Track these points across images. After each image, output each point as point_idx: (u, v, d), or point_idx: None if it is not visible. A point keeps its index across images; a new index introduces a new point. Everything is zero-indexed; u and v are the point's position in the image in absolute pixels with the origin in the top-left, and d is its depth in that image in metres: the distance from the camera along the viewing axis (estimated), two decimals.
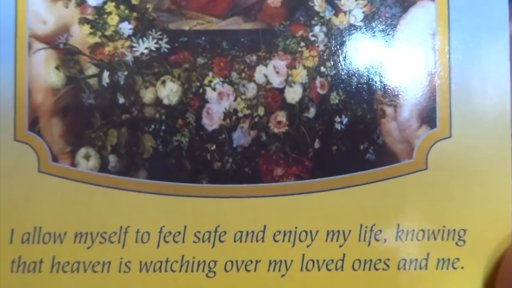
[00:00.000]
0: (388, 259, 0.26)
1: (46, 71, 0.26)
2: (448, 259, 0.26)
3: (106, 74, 0.26)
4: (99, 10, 0.26)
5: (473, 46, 0.26)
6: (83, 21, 0.26)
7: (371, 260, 0.26)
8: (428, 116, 0.26)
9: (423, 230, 0.26)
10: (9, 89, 0.26)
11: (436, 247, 0.26)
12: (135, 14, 0.26)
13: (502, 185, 0.26)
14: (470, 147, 0.26)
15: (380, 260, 0.26)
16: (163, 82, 0.26)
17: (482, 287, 0.26)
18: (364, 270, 0.26)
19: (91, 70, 0.26)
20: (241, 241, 0.26)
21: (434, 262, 0.26)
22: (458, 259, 0.26)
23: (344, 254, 0.26)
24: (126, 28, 0.26)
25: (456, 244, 0.26)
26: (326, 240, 0.26)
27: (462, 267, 0.26)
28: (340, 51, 0.26)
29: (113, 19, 0.26)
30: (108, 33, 0.26)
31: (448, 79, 0.26)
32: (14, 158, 0.26)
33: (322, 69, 0.26)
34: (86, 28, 0.26)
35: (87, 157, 0.26)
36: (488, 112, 0.26)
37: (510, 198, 0.26)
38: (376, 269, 0.26)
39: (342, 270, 0.26)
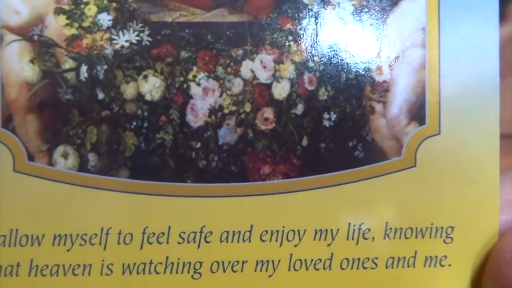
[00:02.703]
0: (376, 258, 0.25)
1: (20, 65, 0.24)
2: (436, 257, 0.26)
3: (84, 68, 0.25)
4: (76, 0, 0.25)
5: (463, 41, 0.25)
6: (58, 11, 0.25)
7: (359, 259, 0.25)
8: (417, 113, 0.26)
9: (411, 228, 0.25)
10: None
11: (424, 245, 0.25)
12: (114, 4, 0.25)
13: (491, 182, 0.25)
14: (459, 144, 0.25)
15: (368, 258, 0.25)
16: (145, 77, 0.25)
17: (470, 284, 0.26)
18: (352, 269, 0.25)
19: (68, 63, 0.25)
20: (227, 242, 0.25)
21: (421, 260, 0.26)
22: (445, 256, 0.26)
23: (332, 253, 0.25)
24: (105, 19, 0.25)
25: (444, 241, 0.26)
26: (314, 239, 0.25)
27: (450, 265, 0.26)
28: (328, 45, 0.25)
29: (91, 10, 0.25)
30: (85, 24, 0.25)
31: (437, 75, 0.25)
32: None
33: (310, 64, 0.25)
34: (62, 19, 0.25)
35: (65, 155, 0.25)
36: (478, 109, 0.25)
37: (498, 195, 0.25)
38: (364, 268, 0.25)
39: (330, 269, 0.25)
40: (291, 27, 0.25)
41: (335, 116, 0.25)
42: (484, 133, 0.25)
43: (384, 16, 0.25)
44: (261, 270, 0.25)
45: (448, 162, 0.25)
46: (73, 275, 0.25)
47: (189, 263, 0.25)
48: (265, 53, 0.25)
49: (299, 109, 0.25)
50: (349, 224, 0.25)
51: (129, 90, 0.25)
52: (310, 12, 0.25)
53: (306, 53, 0.25)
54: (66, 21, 0.25)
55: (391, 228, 0.25)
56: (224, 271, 0.25)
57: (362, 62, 0.25)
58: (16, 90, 0.24)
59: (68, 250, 0.25)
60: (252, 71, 0.25)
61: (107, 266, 0.25)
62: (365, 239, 0.25)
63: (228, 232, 0.25)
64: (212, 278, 0.25)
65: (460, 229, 0.26)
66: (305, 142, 0.25)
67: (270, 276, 0.25)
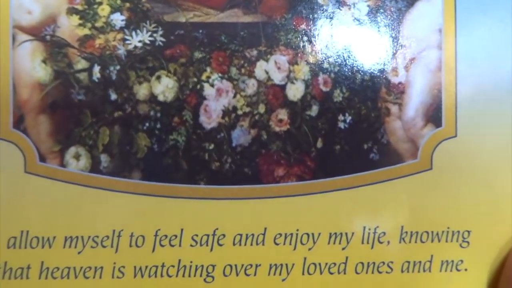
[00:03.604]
0: (392, 262, 0.25)
1: (32, 65, 0.24)
2: (452, 261, 0.25)
3: (97, 68, 0.24)
4: (89, 0, 0.24)
5: (480, 43, 0.25)
6: (71, 11, 0.24)
7: (374, 263, 0.25)
8: (433, 115, 0.25)
9: (427, 232, 0.25)
10: None
11: (440, 249, 0.25)
12: (127, 4, 0.25)
13: (507, 185, 0.25)
14: (475, 146, 0.25)
15: (383, 263, 0.25)
16: (158, 78, 0.24)
17: None
18: (367, 273, 0.25)
19: (81, 64, 0.24)
20: (240, 245, 0.25)
21: (438, 264, 0.25)
22: (462, 261, 0.25)
23: (347, 257, 0.25)
24: (118, 19, 0.24)
25: (460, 245, 0.25)
26: (329, 243, 0.25)
27: (466, 269, 0.25)
28: (343, 46, 0.25)
29: (104, 10, 0.24)
30: (98, 24, 0.24)
31: (454, 77, 0.25)
32: None
33: (325, 65, 0.25)
34: (75, 19, 0.24)
35: (77, 156, 0.24)
36: (494, 111, 0.25)
37: None
38: (380, 272, 0.25)
39: (344, 273, 0.25)
40: (305, 28, 0.25)
41: (350, 118, 0.25)
42: (500, 135, 0.25)
43: (400, 17, 0.25)
44: (274, 274, 0.25)
45: (465, 165, 0.25)
46: (84, 277, 0.24)
47: (202, 266, 0.25)
48: (279, 54, 0.25)
49: (314, 110, 0.25)
50: (364, 227, 0.25)
51: (142, 91, 0.24)
52: (325, 12, 0.25)
53: (321, 54, 0.25)
54: (79, 21, 0.24)
55: (406, 232, 0.25)
56: (237, 274, 0.25)
57: (377, 64, 0.25)
58: (28, 90, 0.24)
59: (79, 253, 0.24)
60: (266, 72, 0.25)
61: (118, 268, 0.24)
62: (380, 243, 0.25)
63: (241, 235, 0.25)
64: (225, 282, 0.25)
65: (476, 233, 0.25)
66: (319, 144, 0.25)
67: (283, 280, 0.25)
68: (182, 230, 0.25)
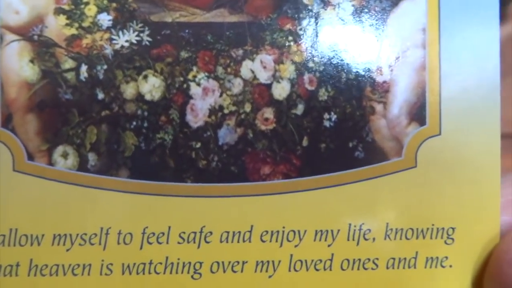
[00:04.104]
0: (377, 258, 0.25)
1: (20, 65, 0.24)
2: (437, 258, 0.25)
3: (84, 68, 0.25)
4: (76, 0, 0.25)
5: (463, 41, 0.25)
6: (58, 11, 0.25)
7: (360, 260, 0.25)
8: (417, 113, 0.25)
9: (412, 229, 0.25)
10: None
11: (424, 246, 0.25)
12: (114, 4, 0.25)
13: (492, 183, 0.25)
14: (459, 144, 0.25)
15: (369, 259, 0.25)
16: (145, 77, 0.25)
17: (471, 286, 0.25)
18: (352, 270, 0.25)
19: (68, 63, 0.25)
20: (227, 242, 0.25)
21: (422, 260, 0.25)
22: (446, 257, 0.25)
23: (332, 254, 0.25)
24: (105, 19, 0.25)
25: (445, 242, 0.25)
26: (315, 240, 0.25)
27: (451, 266, 0.25)
28: (328, 45, 0.25)
29: (90, 10, 0.25)
30: (85, 24, 0.25)
31: (438, 76, 0.25)
32: None
33: (311, 64, 0.25)
34: (62, 19, 0.25)
35: (65, 155, 0.25)
36: (478, 109, 0.25)
37: (499, 196, 0.25)
38: (365, 269, 0.25)
39: (330, 270, 0.25)
40: (291, 28, 0.25)
41: (335, 116, 0.25)
42: (485, 133, 0.25)
43: (384, 17, 0.25)
44: (261, 271, 0.25)
45: (449, 163, 0.25)
46: (73, 275, 0.25)
47: (189, 263, 0.25)
48: (265, 53, 0.25)
49: (299, 109, 0.25)
50: (350, 224, 0.25)
51: (129, 90, 0.25)
52: (310, 12, 0.25)
53: (306, 53, 0.25)
54: (66, 21, 0.25)
55: (392, 229, 0.25)
56: (224, 271, 0.25)
57: (362, 63, 0.25)
58: (16, 89, 0.24)
59: (67, 250, 0.25)
60: (252, 71, 0.25)
61: (106, 266, 0.25)
62: (366, 239, 0.25)
63: (228, 232, 0.25)
64: (212, 279, 0.25)
65: (461, 230, 0.25)
66: (305, 142, 0.25)
67: (270, 276, 0.25)
68: (169, 227, 0.25)
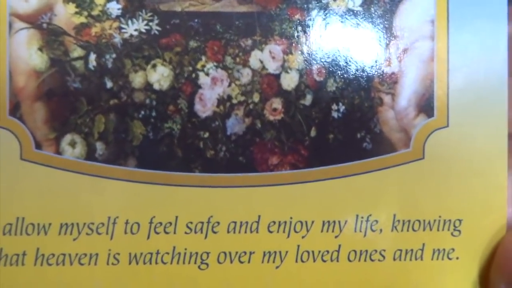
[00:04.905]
0: (384, 250, 0.25)
1: (29, 53, 0.24)
2: (444, 250, 0.25)
3: (92, 56, 0.25)
4: None
5: (471, 33, 0.25)
6: None
7: (366, 251, 0.25)
8: (425, 105, 0.25)
9: (419, 221, 0.25)
10: None
11: (431, 238, 0.25)
12: None
13: (498, 175, 0.25)
14: (467, 136, 0.25)
15: (376, 250, 0.25)
16: (154, 66, 0.25)
17: (477, 277, 0.25)
18: (359, 261, 0.25)
19: (77, 52, 0.25)
20: (234, 232, 0.25)
21: (429, 252, 0.25)
22: (453, 249, 0.25)
23: (339, 245, 0.25)
24: (114, 8, 0.25)
25: (452, 234, 0.25)
26: (322, 231, 0.25)
27: (457, 257, 0.25)
28: (337, 36, 0.25)
29: None
30: (95, 13, 0.25)
31: (446, 68, 0.25)
32: None
33: (319, 55, 0.25)
34: (71, 7, 0.25)
35: (72, 144, 0.25)
36: (486, 102, 0.25)
37: (505, 188, 0.25)
38: (372, 260, 0.25)
39: (337, 261, 0.25)
40: (300, 18, 0.25)
41: (343, 107, 0.25)
42: (492, 126, 0.25)
43: (393, 8, 0.25)
44: (268, 261, 0.25)
45: (456, 155, 0.25)
46: (80, 264, 0.24)
47: (196, 253, 0.25)
48: (274, 44, 0.25)
49: (308, 99, 0.25)
50: (357, 215, 0.25)
51: (137, 79, 0.25)
52: (319, 3, 0.25)
53: (315, 44, 0.25)
54: (75, 10, 0.25)
55: (399, 220, 0.25)
56: (231, 261, 0.25)
57: (370, 54, 0.25)
58: (24, 78, 0.24)
59: (74, 239, 0.24)
60: (261, 61, 0.25)
61: (113, 255, 0.25)
62: (373, 231, 0.25)
63: (235, 222, 0.25)
64: (219, 269, 0.25)
65: (468, 222, 0.25)
66: (313, 133, 0.25)
67: (277, 267, 0.25)
68: (176, 217, 0.25)
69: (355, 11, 0.25)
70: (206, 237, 0.25)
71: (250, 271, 0.25)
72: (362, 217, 0.25)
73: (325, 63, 0.25)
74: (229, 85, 0.25)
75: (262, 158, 0.25)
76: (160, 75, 0.25)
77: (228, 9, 0.25)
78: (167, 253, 0.25)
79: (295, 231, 0.25)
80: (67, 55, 0.24)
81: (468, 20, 0.25)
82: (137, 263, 0.25)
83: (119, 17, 0.25)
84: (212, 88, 0.25)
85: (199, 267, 0.25)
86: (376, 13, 0.25)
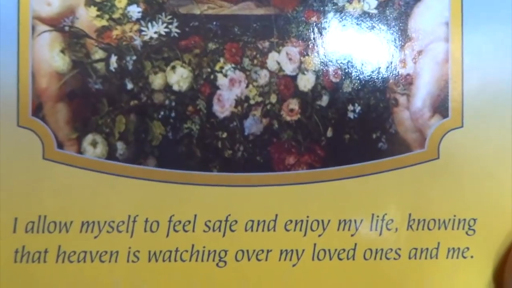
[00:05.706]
0: (399, 249, 0.26)
1: (51, 55, 0.25)
2: (458, 249, 0.26)
3: (113, 58, 0.25)
4: None
5: (485, 35, 0.26)
6: (89, 3, 0.25)
7: (382, 250, 0.26)
8: (440, 106, 0.26)
9: (434, 220, 0.26)
10: (12, 73, 0.25)
11: (446, 237, 0.26)
12: None
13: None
14: (481, 137, 0.26)
15: (391, 249, 0.26)
16: (173, 68, 0.25)
17: (492, 276, 0.26)
18: (375, 260, 0.26)
19: (98, 54, 0.25)
20: (252, 230, 0.25)
21: (444, 251, 0.26)
22: (468, 248, 0.26)
23: (355, 244, 0.25)
24: (135, 11, 0.25)
25: (466, 233, 0.26)
26: (338, 229, 0.25)
27: (472, 256, 0.26)
28: (353, 38, 0.26)
29: (121, 2, 0.25)
30: (116, 16, 0.25)
31: (461, 69, 0.26)
32: (17, 145, 0.25)
33: (335, 56, 0.26)
34: (93, 11, 0.25)
35: (94, 144, 0.25)
36: (500, 103, 0.26)
37: None
38: (387, 259, 0.26)
39: (353, 259, 0.25)
40: (316, 20, 0.26)
41: (359, 108, 0.26)
42: (506, 126, 0.26)
43: (408, 10, 0.26)
44: (285, 259, 0.25)
45: (471, 155, 0.26)
46: (100, 261, 0.25)
47: (214, 251, 0.25)
48: (291, 46, 0.26)
49: (324, 100, 0.26)
50: (373, 214, 0.26)
51: (157, 81, 0.25)
52: (335, 6, 0.26)
53: (331, 46, 0.26)
54: (96, 13, 0.25)
55: (414, 220, 0.26)
56: (249, 259, 0.25)
57: (386, 55, 0.26)
58: (46, 79, 0.25)
59: (95, 237, 0.25)
60: (278, 63, 0.25)
61: (133, 253, 0.25)
62: (389, 230, 0.26)
63: (253, 221, 0.25)
64: (237, 266, 0.25)
65: (482, 221, 0.26)
66: (329, 133, 0.26)
67: (294, 265, 0.25)
68: (195, 216, 0.25)
69: (370, 14, 0.26)
70: (224, 235, 0.25)
71: (267, 269, 0.25)
72: (377, 216, 0.26)
73: (341, 64, 0.26)
74: (247, 86, 0.25)
75: (279, 158, 0.26)
76: (179, 77, 0.25)
77: (245, 12, 0.25)
78: (186, 251, 0.25)
79: (312, 230, 0.25)
80: (88, 57, 0.25)
81: (482, 22, 0.26)
82: (156, 260, 0.25)
83: (139, 20, 0.25)
84: (230, 89, 0.25)
85: (217, 264, 0.25)
86: (391, 15, 0.26)
